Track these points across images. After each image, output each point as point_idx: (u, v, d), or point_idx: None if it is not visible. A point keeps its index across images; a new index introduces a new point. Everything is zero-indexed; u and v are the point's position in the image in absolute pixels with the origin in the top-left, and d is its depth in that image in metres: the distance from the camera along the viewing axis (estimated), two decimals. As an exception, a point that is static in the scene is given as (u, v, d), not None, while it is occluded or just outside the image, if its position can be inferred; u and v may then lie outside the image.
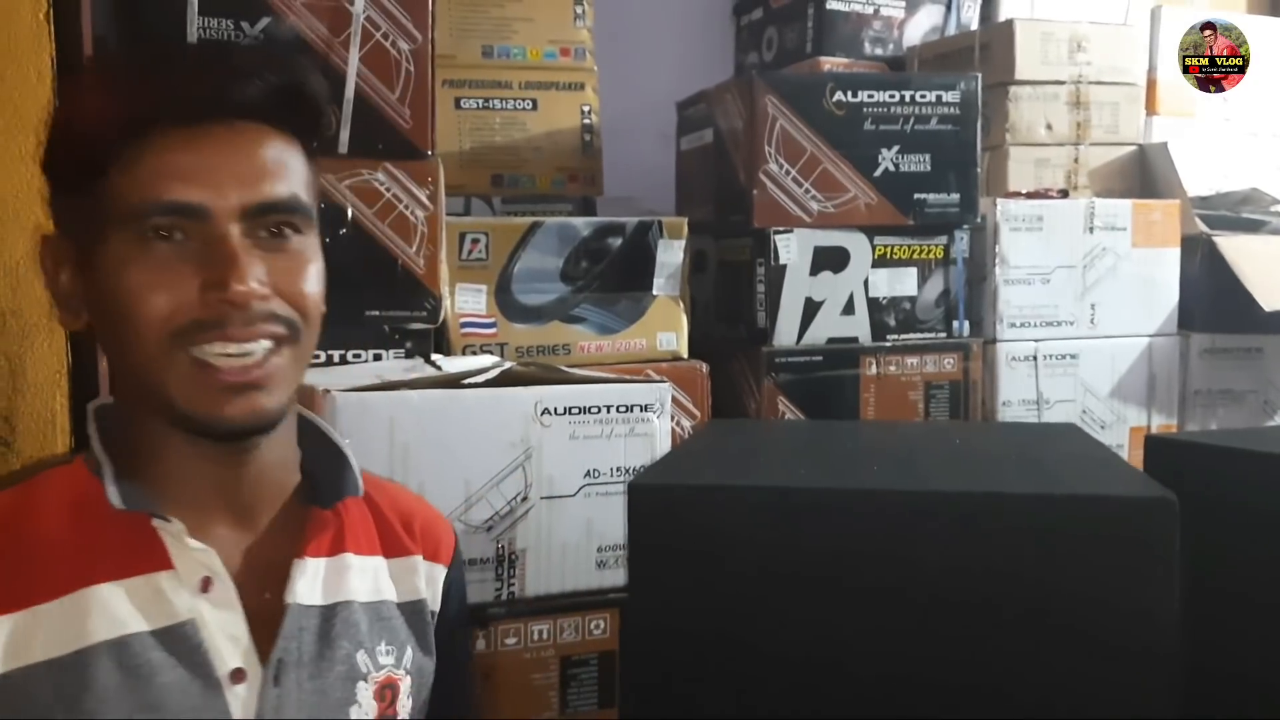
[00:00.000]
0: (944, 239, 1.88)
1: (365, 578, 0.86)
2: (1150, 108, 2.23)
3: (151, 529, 0.77)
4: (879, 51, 2.27)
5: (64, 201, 0.80)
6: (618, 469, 1.32)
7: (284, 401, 0.79)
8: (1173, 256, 2.01)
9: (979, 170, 1.88)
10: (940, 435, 1.33)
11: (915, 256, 1.87)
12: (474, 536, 1.26)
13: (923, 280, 1.87)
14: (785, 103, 1.77)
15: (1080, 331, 1.96)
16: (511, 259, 1.63)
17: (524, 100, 1.93)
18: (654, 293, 1.70)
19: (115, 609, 0.75)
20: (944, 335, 1.89)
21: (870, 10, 2.26)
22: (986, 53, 2.11)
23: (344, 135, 1.45)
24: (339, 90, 1.44)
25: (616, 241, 1.68)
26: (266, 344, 0.76)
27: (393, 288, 1.49)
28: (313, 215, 0.80)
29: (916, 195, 1.84)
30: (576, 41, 1.96)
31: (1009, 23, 2.10)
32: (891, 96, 1.82)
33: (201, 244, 0.74)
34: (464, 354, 1.59)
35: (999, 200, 1.92)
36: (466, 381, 1.31)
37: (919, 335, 1.88)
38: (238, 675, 0.76)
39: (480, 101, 1.91)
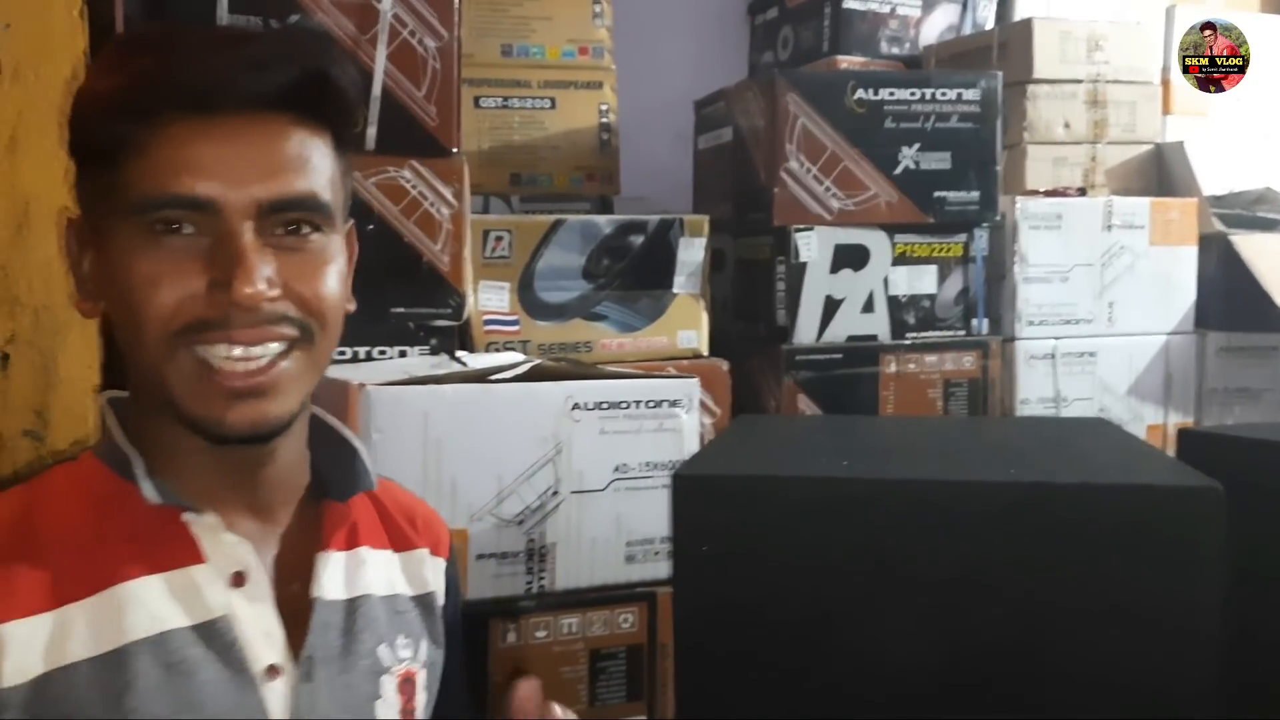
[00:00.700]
0: (963, 237, 1.88)
1: (380, 571, 0.86)
2: (1165, 108, 2.23)
3: (181, 524, 0.76)
4: (895, 51, 2.27)
5: (84, 184, 0.77)
6: (647, 464, 1.33)
7: (292, 408, 0.76)
8: (1190, 255, 2.02)
9: (998, 169, 1.89)
10: (969, 429, 1.33)
11: (935, 254, 1.87)
12: (505, 530, 1.26)
13: (942, 278, 1.88)
14: (807, 101, 1.78)
15: (1098, 329, 1.96)
16: (534, 256, 1.63)
17: (543, 99, 1.94)
18: (675, 290, 1.71)
19: (152, 604, 0.73)
20: (963, 333, 1.90)
21: (887, 9, 2.26)
22: (1004, 52, 2.12)
23: (370, 132, 1.45)
24: (367, 87, 1.44)
25: (638, 239, 1.68)
26: (275, 347, 0.73)
27: (418, 285, 1.49)
28: (334, 213, 0.77)
29: (937, 193, 1.84)
30: (595, 40, 1.96)
31: (1027, 22, 2.11)
32: (912, 95, 1.82)
33: (212, 239, 0.71)
34: (487, 351, 1.59)
35: (1018, 199, 1.93)
36: (496, 377, 1.31)
37: (938, 333, 1.88)
38: (272, 671, 0.75)
39: (499, 100, 1.91)
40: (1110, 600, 0.84)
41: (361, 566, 0.84)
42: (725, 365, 1.68)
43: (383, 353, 1.49)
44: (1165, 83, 2.23)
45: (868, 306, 1.84)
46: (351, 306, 0.81)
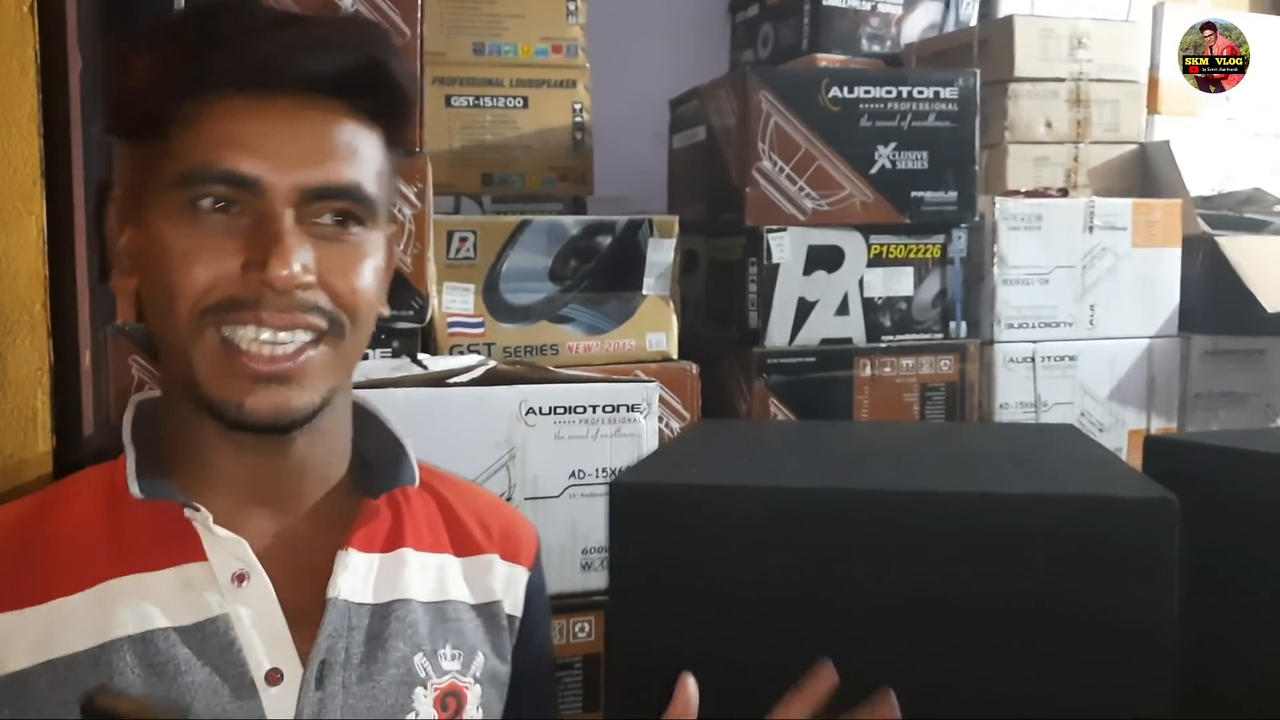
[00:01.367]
0: (941, 238, 1.85)
1: (427, 575, 0.82)
2: (1152, 107, 2.20)
3: (185, 520, 0.74)
4: (876, 48, 2.24)
5: (128, 158, 0.77)
6: (603, 470, 1.30)
7: (314, 401, 0.74)
8: (1173, 257, 1.98)
9: (977, 168, 1.86)
10: (935, 435, 1.30)
11: (912, 256, 1.83)
12: (456, 539, 1.23)
13: (919, 280, 1.84)
14: (779, 99, 1.74)
15: (1079, 333, 1.93)
16: (500, 258, 1.60)
17: (515, 98, 1.91)
18: (644, 292, 1.67)
19: (141, 603, 0.71)
20: (940, 336, 1.86)
21: (868, 7, 2.23)
22: (985, 49, 2.08)
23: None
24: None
25: (606, 240, 1.65)
26: (304, 335, 0.73)
27: (378, 286, 1.46)
28: (378, 208, 0.76)
29: (913, 193, 1.81)
30: (569, 39, 1.93)
31: (1008, 19, 2.07)
32: (888, 93, 1.79)
33: (252, 219, 0.71)
34: (451, 354, 1.56)
35: (997, 199, 1.89)
36: (451, 381, 1.28)
37: (915, 336, 1.85)
38: (273, 676, 0.73)
39: (471, 99, 1.88)
40: (1063, 611, 0.81)
41: (402, 569, 0.81)
42: (694, 369, 1.65)
43: (342, 355, 1.45)
44: (1153, 81, 2.20)
45: (842, 309, 1.80)
46: (386, 310, 0.80)
